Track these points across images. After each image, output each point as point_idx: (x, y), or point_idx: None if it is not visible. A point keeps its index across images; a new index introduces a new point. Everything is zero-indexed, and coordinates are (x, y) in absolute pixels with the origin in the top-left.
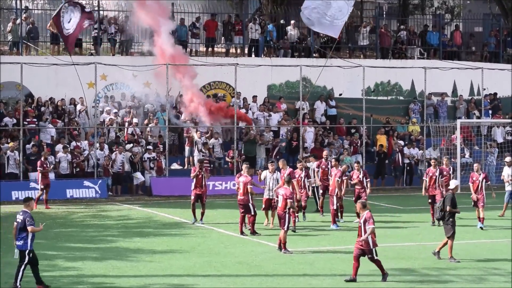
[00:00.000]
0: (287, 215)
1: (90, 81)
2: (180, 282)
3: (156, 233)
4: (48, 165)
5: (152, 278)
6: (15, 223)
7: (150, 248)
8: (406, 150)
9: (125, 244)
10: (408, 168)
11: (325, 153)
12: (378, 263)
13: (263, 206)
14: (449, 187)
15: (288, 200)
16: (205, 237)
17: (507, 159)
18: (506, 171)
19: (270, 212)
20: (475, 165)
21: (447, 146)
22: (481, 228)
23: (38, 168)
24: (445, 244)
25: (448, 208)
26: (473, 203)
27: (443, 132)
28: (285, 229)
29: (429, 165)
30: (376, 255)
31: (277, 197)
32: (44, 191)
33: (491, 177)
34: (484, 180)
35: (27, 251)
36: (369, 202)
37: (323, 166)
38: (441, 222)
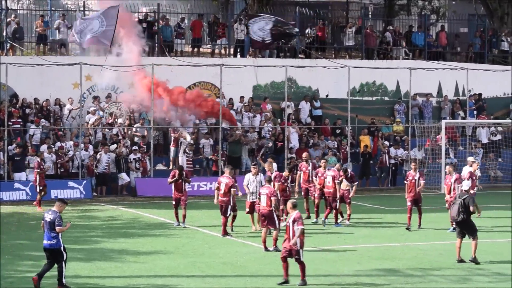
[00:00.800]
0: (274, 214)
1: (75, 82)
2: (164, 282)
3: (140, 234)
4: (44, 166)
5: (137, 279)
6: (42, 222)
7: (134, 249)
8: (392, 150)
9: (110, 244)
10: (393, 168)
11: (304, 155)
12: (302, 265)
13: (247, 210)
14: (462, 188)
15: (272, 198)
16: (189, 237)
17: (470, 159)
18: (467, 169)
19: (256, 216)
20: (447, 167)
21: (432, 147)
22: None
23: (35, 170)
24: (476, 246)
25: (472, 208)
26: (447, 205)
27: (428, 132)
28: (278, 226)
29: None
30: (302, 257)
31: (259, 196)
32: (43, 192)
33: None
34: (456, 182)
35: (62, 248)
36: (354, 203)
37: (304, 169)
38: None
